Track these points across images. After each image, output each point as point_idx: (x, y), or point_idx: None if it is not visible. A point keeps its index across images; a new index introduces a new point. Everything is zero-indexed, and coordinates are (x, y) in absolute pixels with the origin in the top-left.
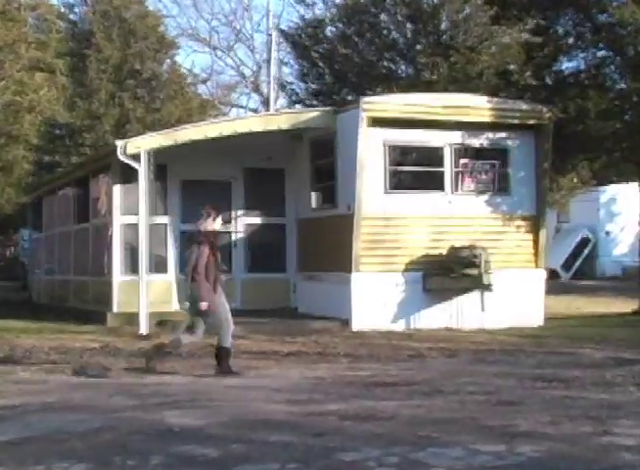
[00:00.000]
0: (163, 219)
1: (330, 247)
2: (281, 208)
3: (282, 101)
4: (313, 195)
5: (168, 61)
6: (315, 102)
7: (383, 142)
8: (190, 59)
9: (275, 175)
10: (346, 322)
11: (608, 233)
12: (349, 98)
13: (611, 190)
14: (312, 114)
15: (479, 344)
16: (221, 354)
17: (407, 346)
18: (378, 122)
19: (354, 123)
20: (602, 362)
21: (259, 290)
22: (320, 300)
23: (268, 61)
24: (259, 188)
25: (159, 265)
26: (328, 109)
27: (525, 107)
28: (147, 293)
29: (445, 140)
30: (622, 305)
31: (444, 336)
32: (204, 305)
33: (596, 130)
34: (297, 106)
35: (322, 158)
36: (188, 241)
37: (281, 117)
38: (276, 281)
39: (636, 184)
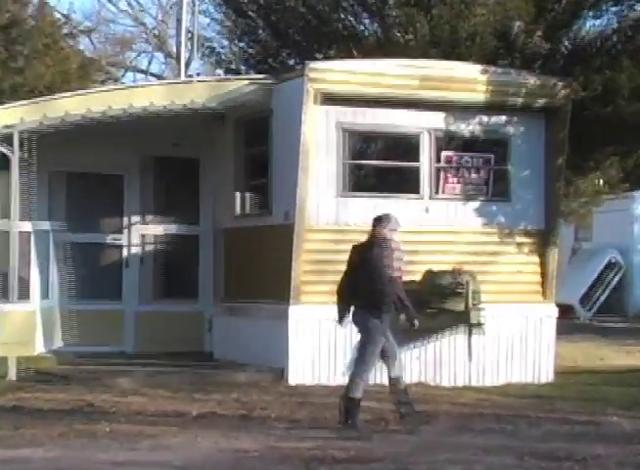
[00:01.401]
0: (41, 225)
1: (260, 268)
2: (193, 213)
3: (198, 65)
4: (238, 197)
5: (35, 1)
6: (245, 68)
7: (337, 125)
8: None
9: (186, 168)
10: (281, 373)
11: None
12: (292, 64)
13: None
14: (239, 84)
15: (463, 406)
16: (349, 405)
17: (365, 407)
18: (330, 98)
19: (297, 99)
20: (632, 436)
21: (160, 327)
22: (245, 341)
23: (179, 6)
24: (164, 185)
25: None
26: (261, 78)
27: (532, 81)
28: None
29: (423, 124)
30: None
31: (417, 394)
32: (417, 323)
33: (630, 114)
34: (220, 72)
35: (252, 146)
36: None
37: (195, 88)
38: (184, 315)
39: None
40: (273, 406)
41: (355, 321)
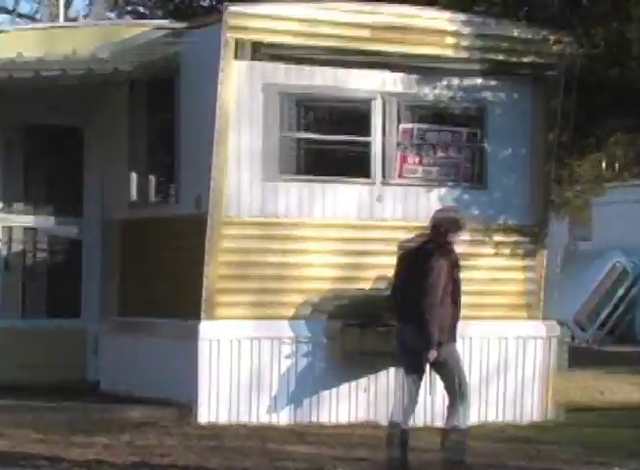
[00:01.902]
0: None
1: (163, 273)
2: (75, 200)
3: (82, 4)
4: (135, 178)
5: None
6: (143, 10)
7: (264, 87)
8: None
9: (66, 141)
10: (189, 409)
11: None
12: (206, 6)
13: None
14: (137, 31)
15: (423, 452)
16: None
17: (297, 453)
18: (256, 52)
19: (212, 52)
20: None
21: (32, 349)
22: (142, 368)
23: None
24: (35, 162)
25: None
26: (166, 24)
27: (516, 33)
28: None
29: (375, 88)
30: None
31: (365, 437)
32: (432, 355)
33: None
34: (111, 16)
35: (154, 112)
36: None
37: (78, 34)
38: (63, 334)
39: None
40: (177, 452)
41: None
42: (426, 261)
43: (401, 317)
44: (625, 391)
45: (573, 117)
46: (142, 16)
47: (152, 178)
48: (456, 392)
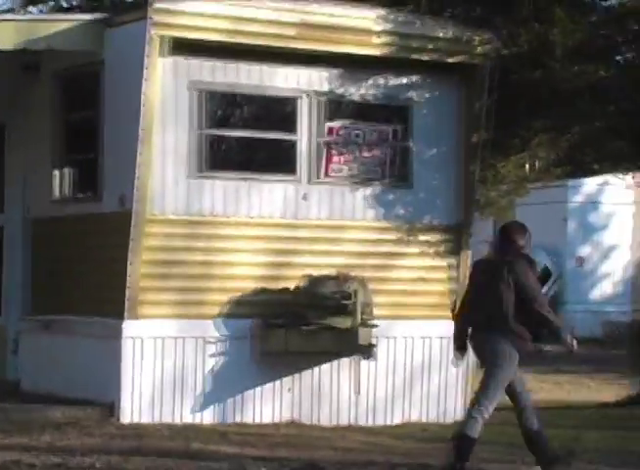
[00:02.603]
0: None
1: (85, 271)
2: None
3: None
4: (57, 175)
5: None
6: (67, 5)
7: (189, 84)
8: None
9: None
10: (111, 409)
11: (581, 261)
12: (130, 1)
13: (587, 186)
14: (60, 25)
15: (348, 451)
16: (461, 445)
17: (221, 453)
18: (181, 49)
19: (137, 48)
20: None
21: None
22: (64, 367)
23: None
24: None
25: None
26: (90, 18)
27: (442, 33)
28: None
29: (302, 86)
30: (599, 390)
31: (288, 436)
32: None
33: (564, 80)
34: (33, 10)
35: (77, 108)
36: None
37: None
38: None
39: (631, 177)
40: (98, 453)
41: (478, 347)
42: (513, 273)
43: (481, 328)
44: (546, 389)
45: (497, 118)
46: (65, 10)
47: (75, 175)
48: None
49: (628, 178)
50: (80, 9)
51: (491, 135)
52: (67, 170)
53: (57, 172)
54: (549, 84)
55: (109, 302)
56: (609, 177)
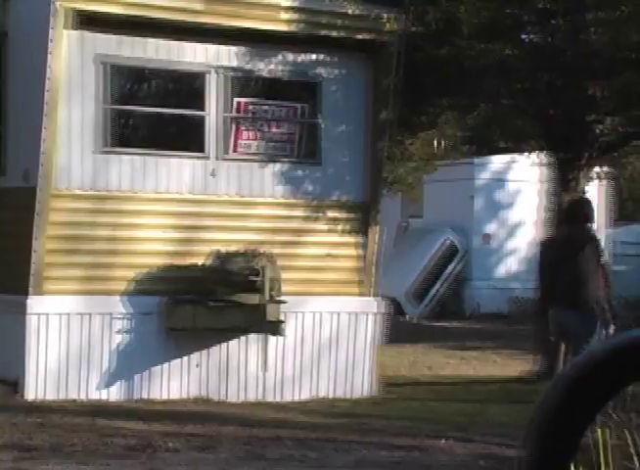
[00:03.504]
0: None
1: None
2: None
3: None
4: None
5: None
6: None
7: (96, 58)
8: None
9: None
10: (15, 386)
11: (487, 238)
12: None
13: (493, 164)
14: None
15: (256, 427)
16: None
17: (127, 429)
18: (88, 22)
19: (41, 20)
20: (466, 464)
21: None
22: None
23: None
24: None
25: None
26: None
27: (351, 10)
28: None
29: (210, 61)
30: (504, 365)
31: (195, 412)
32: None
33: (471, 56)
34: None
35: None
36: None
37: None
38: None
39: (536, 155)
40: (2, 429)
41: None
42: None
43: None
44: (453, 366)
45: (405, 95)
46: None
47: None
48: None
49: (534, 156)
50: None
51: (398, 113)
52: None
53: None
54: (456, 62)
55: (13, 278)
56: (515, 155)
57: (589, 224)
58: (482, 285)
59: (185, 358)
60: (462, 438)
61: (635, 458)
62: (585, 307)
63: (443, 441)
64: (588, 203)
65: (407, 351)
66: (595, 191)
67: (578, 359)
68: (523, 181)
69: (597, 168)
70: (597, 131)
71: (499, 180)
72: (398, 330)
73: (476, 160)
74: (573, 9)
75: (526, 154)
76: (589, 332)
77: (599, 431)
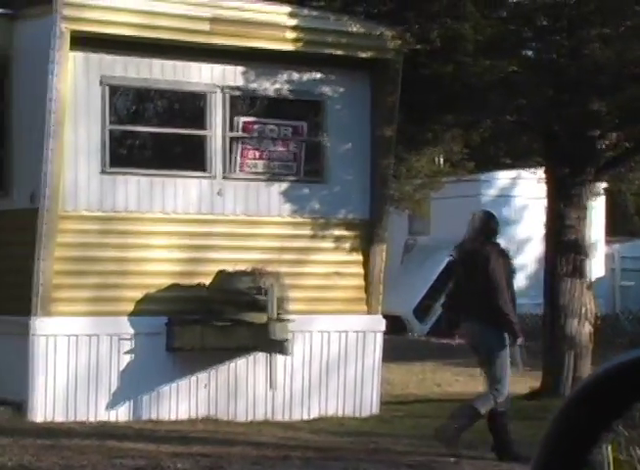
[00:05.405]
0: None
1: None
2: None
3: None
4: None
5: None
6: None
7: (101, 80)
8: None
9: None
10: (21, 408)
11: None
12: None
13: (500, 180)
14: None
15: (264, 446)
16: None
17: (136, 450)
18: (92, 44)
19: (46, 43)
20: None
21: None
22: None
23: None
24: None
25: None
26: None
27: (355, 28)
28: None
29: (215, 81)
30: (513, 382)
31: (204, 432)
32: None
33: (476, 74)
34: None
35: None
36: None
37: None
38: None
39: (543, 171)
40: (11, 451)
41: (471, 337)
42: (481, 259)
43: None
44: (462, 383)
45: (410, 112)
46: None
47: None
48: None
49: (540, 172)
50: None
51: (403, 129)
52: None
53: None
54: (461, 79)
55: (18, 299)
56: (521, 171)
57: (494, 238)
58: None
59: (193, 378)
60: (471, 456)
61: None
62: (491, 321)
63: (453, 459)
64: (493, 217)
65: (416, 369)
66: (602, 206)
67: (589, 377)
68: (529, 198)
69: (604, 184)
70: (602, 147)
71: (506, 196)
72: (404, 348)
73: (482, 176)
74: (577, 24)
75: (532, 170)
76: (500, 345)
77: (609, 447)
